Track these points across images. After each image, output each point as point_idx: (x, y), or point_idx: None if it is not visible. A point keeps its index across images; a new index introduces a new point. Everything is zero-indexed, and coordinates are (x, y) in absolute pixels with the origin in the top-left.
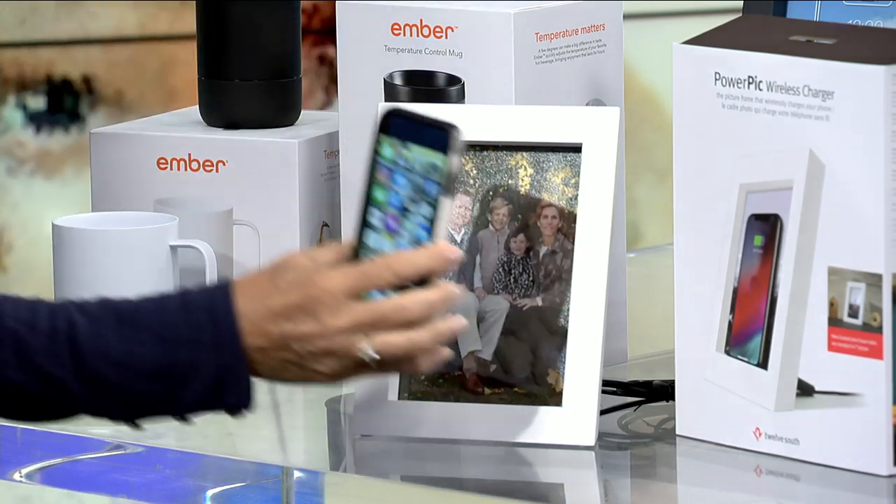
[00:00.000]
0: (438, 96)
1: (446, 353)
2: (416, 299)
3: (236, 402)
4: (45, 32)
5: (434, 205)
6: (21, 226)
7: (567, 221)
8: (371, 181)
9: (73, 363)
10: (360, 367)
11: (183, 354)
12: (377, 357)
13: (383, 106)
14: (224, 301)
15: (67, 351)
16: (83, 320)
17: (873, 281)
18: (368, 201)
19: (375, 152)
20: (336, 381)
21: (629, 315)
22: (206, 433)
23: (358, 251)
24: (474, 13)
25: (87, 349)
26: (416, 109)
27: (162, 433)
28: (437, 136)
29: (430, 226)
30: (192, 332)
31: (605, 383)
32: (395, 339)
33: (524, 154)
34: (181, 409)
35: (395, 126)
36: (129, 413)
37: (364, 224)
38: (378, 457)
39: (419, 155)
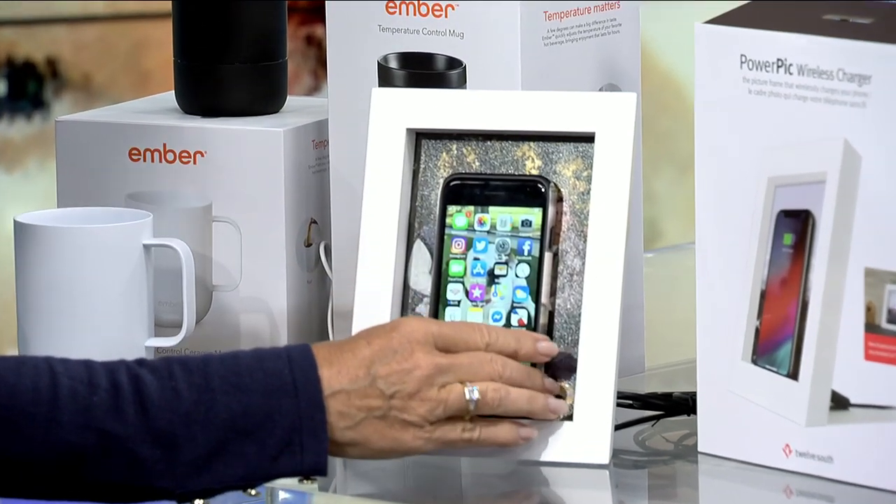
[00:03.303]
0: (437, 81)
1: (541, 403)
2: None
3: (312, 462)
4: (5, 10)
5: (532, 262)
6: None
7: (579, 218)
8: (443, 258)
9: (139, 420)
10: (451, 419)
11: (257, 402)
12: (478, 397)
13: (445, 178)
14: (302, 349)
15: (133, 407)
16: (146, 373)
17: None
18: (444, 278)
19: (444, 226)
20: (419, 442)
21: (647, 321)
22: None
23: None
24: None
25: (155, 404)
26: (483, 173)
27: None
28: (524, 191)
29: (529, 285)
30: (268, 379)
31: (621, 396)
32: (495, 385)
33: (531, 144)
34: (251, 468)
35: (466, 193)
36: (194, 474)
37: (444, 304)
38: (372, 476)
39: (503, 215)
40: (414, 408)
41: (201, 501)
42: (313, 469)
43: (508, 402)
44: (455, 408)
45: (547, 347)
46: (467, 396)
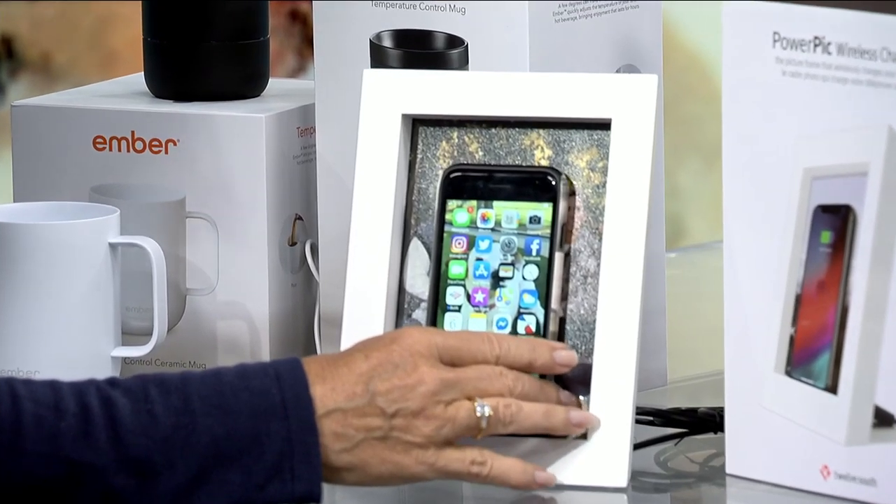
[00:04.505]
0: (436, 61)
1: (560, 417)
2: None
3: (304, 489)
4: None
5: (541, 263)
6: None
7: (593, 214)
8: (442, 258)
9: (112, 447)
10: (459, 447)
11: (242, 424)
12: (489, 413)
13: (445, 170)
14: (291, 364)
15: (105, 434)
16: (118, 395)
17: None
18: (443, 281)
19: (443, 222)
20: (422, 468)
21: (669, 328)
22: None
23: None
24: None
25: (128, 429)
26: (487, 164)
27: None
28: (532, 184)
29: (538, 288)
30: (254, 399)
31: (640, 411)
32: (506, 400)
33: (541, 132)
34: (236, 497)
35: (468, 187)
36: None
37: (443, 309)
38: (369, 497)
39: (509, 210)
40: (418, 427)
41: None
42: (306, 497)
43: (522, 417)
44: (464, 426)
45: (566, 357)
46: (478, 413)
